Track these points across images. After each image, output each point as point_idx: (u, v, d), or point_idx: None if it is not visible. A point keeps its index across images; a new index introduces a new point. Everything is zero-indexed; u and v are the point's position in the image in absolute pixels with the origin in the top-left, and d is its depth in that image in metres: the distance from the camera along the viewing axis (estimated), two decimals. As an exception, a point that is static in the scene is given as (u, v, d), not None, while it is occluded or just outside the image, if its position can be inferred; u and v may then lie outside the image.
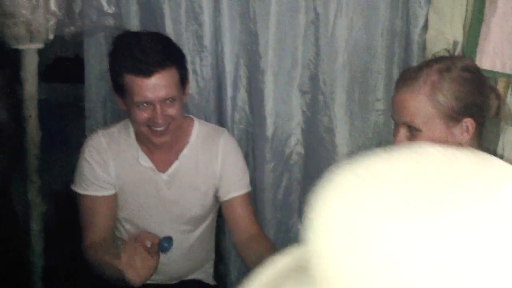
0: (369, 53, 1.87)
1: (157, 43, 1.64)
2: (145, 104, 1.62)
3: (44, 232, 2.24)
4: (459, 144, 1.40)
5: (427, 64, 1.41)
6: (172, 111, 1.65)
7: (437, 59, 1.42)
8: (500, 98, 1.48)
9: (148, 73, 1.59)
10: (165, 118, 1.64)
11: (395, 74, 1.89)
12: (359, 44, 1.87)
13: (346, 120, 1.90)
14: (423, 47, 1.82)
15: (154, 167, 1.79)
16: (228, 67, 2.00)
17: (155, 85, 1.60)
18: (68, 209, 2.66)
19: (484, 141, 1.67)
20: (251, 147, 2.10)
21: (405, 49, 1.86)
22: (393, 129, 1.46)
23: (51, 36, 1.95)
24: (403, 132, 1.43)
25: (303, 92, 1.99)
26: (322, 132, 1.97)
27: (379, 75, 1.87)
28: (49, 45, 2.00)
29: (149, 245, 1.46)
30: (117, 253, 1.50)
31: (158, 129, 1.66)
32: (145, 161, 1.78)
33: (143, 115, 1.64)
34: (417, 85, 1.38)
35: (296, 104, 2.01)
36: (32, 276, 2.25)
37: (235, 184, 1.84)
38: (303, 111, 2.02)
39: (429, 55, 1.78)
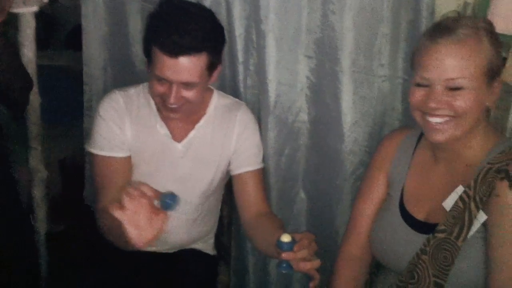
0: (375, 16, 1.78)
1: (198, 23, 1.56)
2: (163, 80, 1.59)
3: (47, 198, 2.25)
4: (490, 106, 1.33)
5: (457, 19, 1.32)
6: (188, 94, 1.62)
7: (465, 17, 1.34)
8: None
9: (174, 54, 1.54)
10: (178, 100, 1.62)
11: (402, 38, 1.79)
12: (365, 6, 1.78)
13: (350, 86, 1.83)
14: (432, 9, 1.72)
15: (170, 135, 1.77)
16: (239, 31, 1.93)
17: (178, 67, 1.56)
18: (71, 176, 2.69)
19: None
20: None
21: (413, 11, 1.77)
22: (413, 92, 1.36)
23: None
24: (441, 91, 1.31)
25: (307, 57, 1.92)
26: (326, 99, 1.90)
27: (384, 39, 1.79)
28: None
29: (157, 205, 1.33)
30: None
31: (170, 106, 1.63)
32: (162, 128, 1.76)
33: (159, 88, 1.62)
34: (463, 35, 1.28)
35: (301, 70, 1.95)
36: (35, 242, 2.28)
37: (248, 159, 1.81)
38: (307, 77, 1.95)
39: (438, 17, 1.69)
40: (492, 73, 1.30)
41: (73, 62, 2.65)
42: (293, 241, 1.34)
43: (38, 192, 2.20)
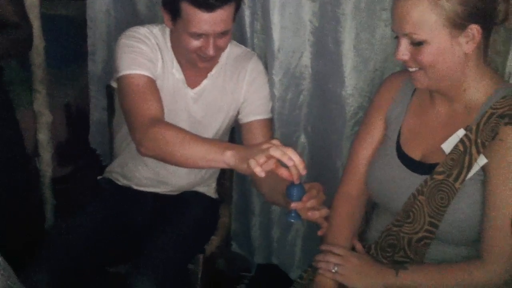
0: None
1: None
2: (200, 35, 1.61)
3: (52, 142, 2.28)
4: (465, 55, 1.34)
5: None
6: (223, 42, 1.66)
7: None
8: (508, 2, 1.38)
9: (212, 8, 1.56)
10: (216, 50, 1.65)
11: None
12: None
13: (352, 31, 1.82)
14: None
15: (185, 80, 1.79)
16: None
17: (215, 20, 1.58)
18: (76, 120, 2.72)
19: (491, 52, 1.59)
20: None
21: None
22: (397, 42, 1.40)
23: None
24: (405, 45, 1.36)
25: (311, 1, 1.91)
26: (328, 43, 1.90)
27: (386, -19, 1.78)
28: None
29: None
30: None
31: (210, 56, 1.66)
32: (178, 73, 1.78)
33: (195, 43, 1.64)
34: None
35: (304, 14, 1.94)
36: (41, 185, 2.32)
37: (257, 108, 1.84)
38: (310, 21, 1.94)
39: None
40: (458, 23, 1.30)
41: (76, 12, 2.64)
42: (302, 190, 1.36)
43: (43, 136, 2.23)
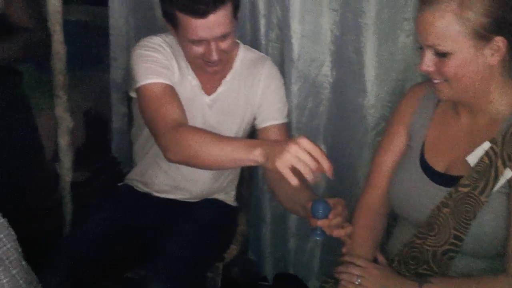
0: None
1: None
2: (199, 41, 1.61)
3: (72, 147, 2.29)
4: (489, 67, 1.33)
5: None
6: (225, 45, 1.65)
7: None
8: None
9: (203, 14, 1.55)
10: (219, 53, 1.64)
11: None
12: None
13: (374, 40, 1.82)
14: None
15: (201, 86, 1.79)
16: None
17: (211, 25, 1.57)
18: (95, 127, 2.74)
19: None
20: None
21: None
22: (421, 53, 1.39)
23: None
24: (429, 56, 1.36)
25: (332, 10, 1.91)
26: (349, 52, 1.90)
27: (409, -8, 1.78)
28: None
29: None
30: None
31: (213, 61, 1.65)
32: (193, 79, 1.78)
33: (197, 50, 1.64)
34: (443, 2, 1.29)
35: (324, 23, 1.94)
36: (61, 190, 2.33)
37: (273, 113, 1.83)
38: (331, 31, 1.94)
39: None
40: (483, 35, 1.29)
41: (98, 18, 2.66)
42: (328, 207, 1.35)
43: (63, 141, 2.23)
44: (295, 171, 1.26)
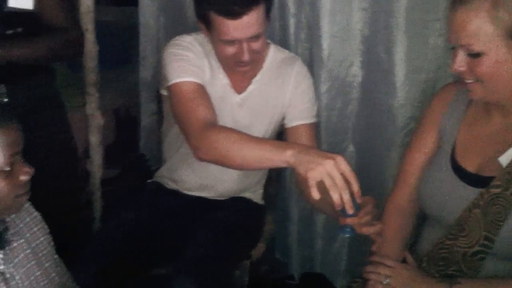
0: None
1: None
2: (232, 41, 1.62)
3: (102, 145, 2.33)
4: None
5: None
6: (257, 45, 1.66)
7: None
8: None
9: (237, 15, 1.56)
10: (251, 54, 1.65)
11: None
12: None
13: (404, 40, 1.81)
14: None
15: (230, 86, 1.80)
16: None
17: (244, 26, 1.58)
18: (124, 125, 2.78)
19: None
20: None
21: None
22: (452, 53, 1.38)
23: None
24: (461, 57, 1.34)
25: (362, 10, 1.91)
26: (379, 52, 1.89)
27: (440, -7, 1.76)
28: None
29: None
30: None
31: (245, 61, 1.66)
32: (224, 78, 1.79)
33: (229, 50, 1.65)
34: (476, 2, 1.28)
35: (354, 23, 1.94)
36: (91, 187, 2.36)
37: (302, 113, 1.83)
38: (360, 30, 1.94)
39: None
40: None
41: (128, 18, 2.69)
42: (357, 205, 1.34)
43: (94, 138, 2.27)
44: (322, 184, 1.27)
